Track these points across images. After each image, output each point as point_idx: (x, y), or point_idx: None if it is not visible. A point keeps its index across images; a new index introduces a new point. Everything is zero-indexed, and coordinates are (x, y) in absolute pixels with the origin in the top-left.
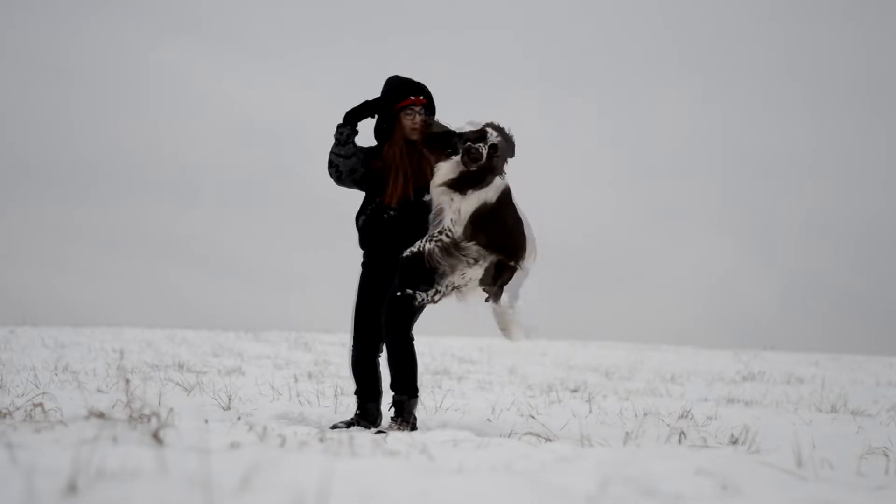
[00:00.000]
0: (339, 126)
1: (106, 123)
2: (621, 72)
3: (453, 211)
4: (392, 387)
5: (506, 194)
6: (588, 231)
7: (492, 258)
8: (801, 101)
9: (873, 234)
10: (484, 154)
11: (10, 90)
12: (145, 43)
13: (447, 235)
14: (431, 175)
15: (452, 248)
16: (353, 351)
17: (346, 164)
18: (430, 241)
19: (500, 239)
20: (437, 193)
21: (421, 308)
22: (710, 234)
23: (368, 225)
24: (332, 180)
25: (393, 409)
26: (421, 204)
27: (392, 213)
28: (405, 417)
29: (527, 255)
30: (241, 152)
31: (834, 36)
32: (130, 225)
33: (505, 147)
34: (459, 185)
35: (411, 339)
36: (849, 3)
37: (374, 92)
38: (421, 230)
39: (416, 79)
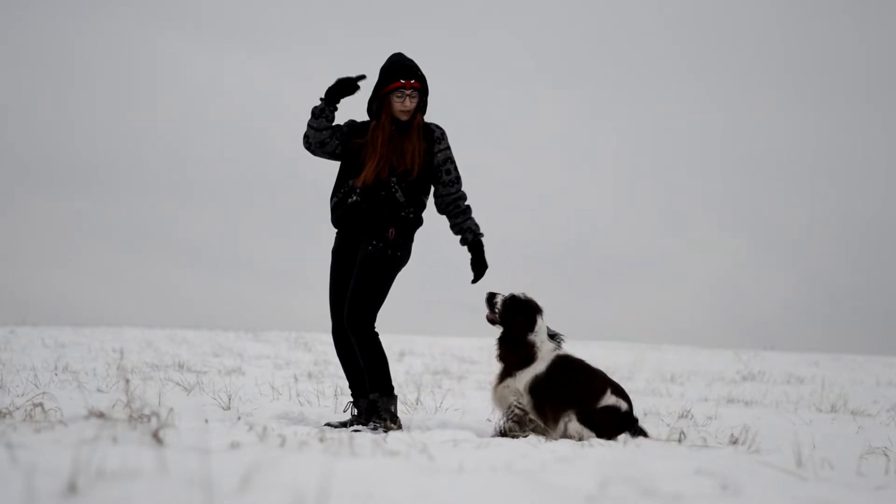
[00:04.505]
0: (320, 99)
1: (106, 121)
2: (625, 70)
3: (513, 392)
4: (367, 386)
5: (558, 362)
6: (588, 230)
7: (571, 412)
8: (802, 101)
9: (873, 234)
10: (493, 309)
11: (10, 87)
12: (146, 40)
13: (518, 408)
14: (412, 160)
15: (527, 419)
16: (334, 340)
17: (315, 135)
18: (505, 420)
19: (566, 399)
20: (499, 395)
21: (382, 300)
22: (711, 234)
23: (338, 207)
24: (305, 149)
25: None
26: (389, 191)
27: (356, 198)
28: (383, 416)
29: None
30: (242, 150)
31: (835, 34)
32: (130, 224)
33: (518, 305)
34: (507, 371)
35: (375, 334)
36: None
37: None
38: (386, 218)
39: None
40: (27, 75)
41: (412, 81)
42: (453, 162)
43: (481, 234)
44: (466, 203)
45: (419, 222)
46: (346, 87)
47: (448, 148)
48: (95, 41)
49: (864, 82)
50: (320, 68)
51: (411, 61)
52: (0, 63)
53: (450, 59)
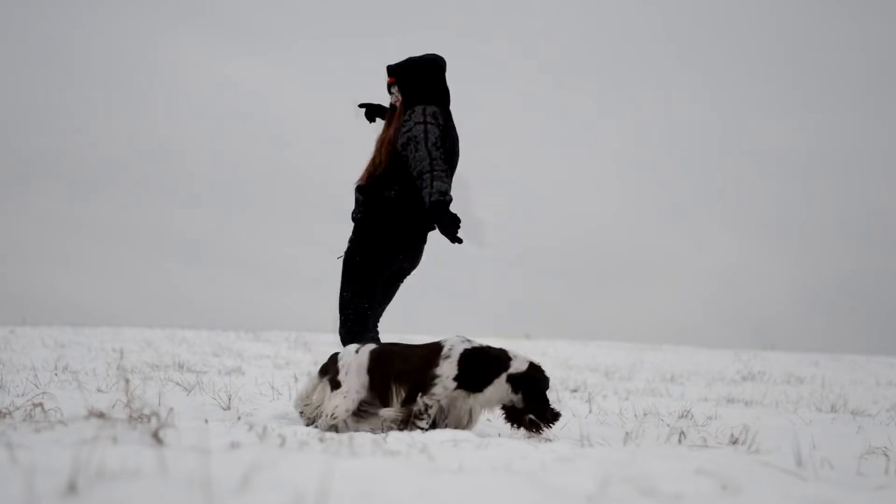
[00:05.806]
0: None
1: (105, 121)
2: (626, 70)
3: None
4: None
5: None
6: (588, 230)
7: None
8: (804, 100)
9: (874, 233)
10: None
11: (10, 87)
12: (147, 40)
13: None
14: (380, 150)
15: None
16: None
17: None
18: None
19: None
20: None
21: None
22: (711, 233)
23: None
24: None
25: None
26: (378, 188)
27: (359, 195)
28: None
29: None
30: (242, 150)
31: (836, 34)
32: (130, 224)
33: None
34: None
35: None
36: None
37: (378, 86)
38: (373, 214)
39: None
40: (27, 75)
41: (388, 79)
42: (418, 141)
43: (437, 195)
44: (429, 174)
45: (408, 208)
46: (369, 114)
47: (415, 125)
48: (95, 40)
49: (865, 81)
50: (320, 68)
51: (394, 63)
52: (0, 63)
53: (450, 59)
